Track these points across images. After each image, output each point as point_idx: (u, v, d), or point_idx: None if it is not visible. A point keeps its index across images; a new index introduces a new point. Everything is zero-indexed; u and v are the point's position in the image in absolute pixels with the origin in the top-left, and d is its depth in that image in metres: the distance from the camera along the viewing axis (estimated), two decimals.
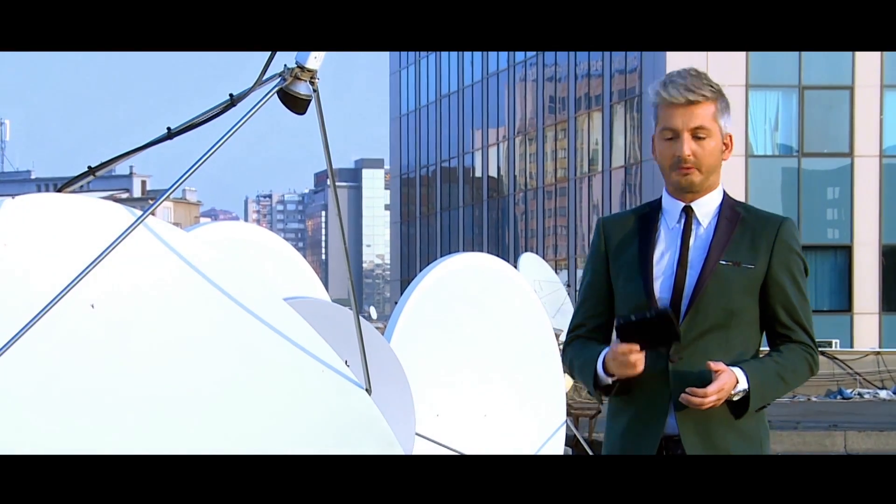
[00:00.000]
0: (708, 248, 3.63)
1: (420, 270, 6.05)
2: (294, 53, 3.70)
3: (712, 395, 3.43)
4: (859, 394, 26.76)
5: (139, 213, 3.60)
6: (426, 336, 5.78)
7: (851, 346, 32.81)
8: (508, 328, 5.98)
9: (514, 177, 47.10)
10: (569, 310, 20.43)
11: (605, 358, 3.57)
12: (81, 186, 3.78)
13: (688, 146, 3.61)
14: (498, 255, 6.50)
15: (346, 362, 4.27)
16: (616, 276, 3.64)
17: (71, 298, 3.27)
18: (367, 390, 4.20)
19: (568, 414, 6.45)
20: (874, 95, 34.86)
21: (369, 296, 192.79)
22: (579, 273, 41.12)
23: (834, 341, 31.93)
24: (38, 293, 3.25)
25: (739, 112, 34.50)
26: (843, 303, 35.21)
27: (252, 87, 3.68)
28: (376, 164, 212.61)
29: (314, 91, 3.74)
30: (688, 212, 3.66)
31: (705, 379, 3.46)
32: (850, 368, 27.76)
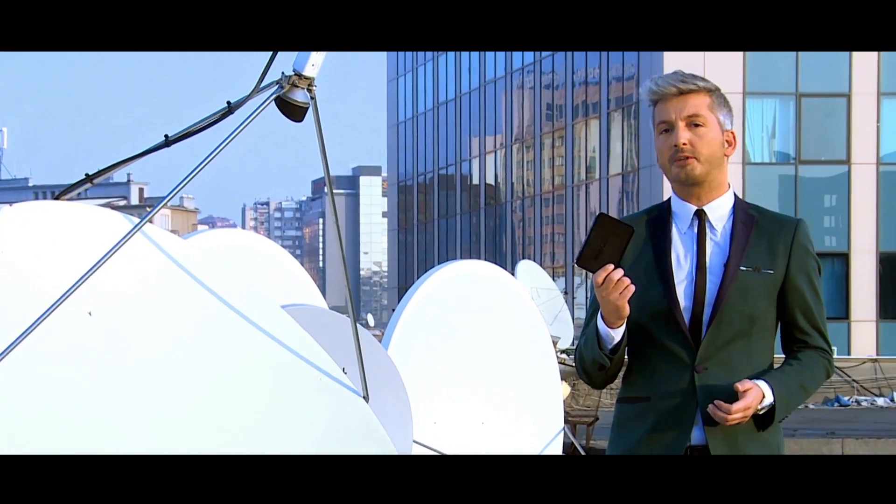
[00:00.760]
0: (727, 253, 3.57)
1: (417, 278, 6.05)
2: (291, 61, 3.70)
3: (738, 412, 3.39)
4: (857, 401, 26.76)
5: (137, 220, 3.60)
6: (424, 343, 5.78)
7: (849, 354, 32.79)
8: (506, 335, 5.98)
9: (512, 184, 47.10)
10: (566, 317, 20.43)
11: (600, 312, 3.48)
12: (79, 194, 3.78)
13: (683, 135, 3.54)
14: (495, 263, 6.50)
15: (343, 370, 4.27)
16: (632, 282, 3.54)
17: (68, 306, 3.27)
18: (364, 398, 4.20)
19: (565, 421, 6.45)
20: (871, 103, 34.88)
21: (367, 303, 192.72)
22: (577, 280, 41.16)
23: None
24: (36, 300, 3.25)
25: (737, 119, 34.40)
26: (841, 310, 35.21)
27: (249, 94, 3.68)
28: (374, 171, 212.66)
29: (311, 98, 3.74)
30: (700, 215, 3.59)
31: (732, 390, 3.42)
32: (848, 376, 27.75)
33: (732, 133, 3.64)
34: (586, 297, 24.51)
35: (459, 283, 5.99)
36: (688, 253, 3.55)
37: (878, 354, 32.12)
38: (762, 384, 3.45)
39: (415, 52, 54.19)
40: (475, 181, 50.64)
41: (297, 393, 3.98)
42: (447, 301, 5.90)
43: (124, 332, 3.54)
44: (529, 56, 44.54)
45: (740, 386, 3.40)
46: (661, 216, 3.62)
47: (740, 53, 34.14)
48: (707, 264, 3.53)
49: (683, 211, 3.58)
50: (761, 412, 3.46)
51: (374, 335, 5.42)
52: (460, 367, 5.85)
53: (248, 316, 3.91)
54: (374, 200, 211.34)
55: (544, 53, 43.15)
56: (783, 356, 3.70)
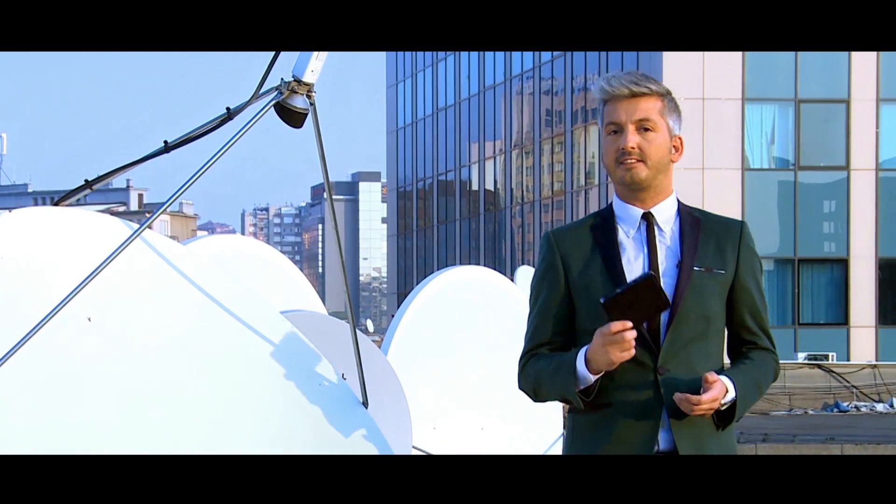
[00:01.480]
0: (679, 254, 3.55)
1: (417, 283, 6.05)
2: (290, 67, 3.71)
3: (706, 403, 3.39)
4: (856, 407, 26.75)
5: (136, 226, 3.60)
6: (423, 349, 5.79)
7: (848, 360, 32.79)
8: (505, 341, 5.98)
9: (511, 190, 47.12)
10: None
11: (586, 354, 3.41)
12: (78, 200, 3.79)
13: (632, 138, 3.51)
14: (495, 268, 6.50)
15: (342, 375, 4.27)
16: (582, 291, 3.47)
17: (68, 311, 3.27)
18: (363, 403, 4.20)
19: (564, 427, 6.44)
20: (870, 109, 34.89)
21: (366, 309, 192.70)
22: None
23: (830, 354, 31.94)
24: (36, 306, 3.25)
25: (736, 125, 34.55)
26: (840, 316, 35.22)
27: (249, 100, 3.69)
28: (373, 177, 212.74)
29: (311, 105, 3.75)
30: (648, 218, 3.57)
31: (697, 388, 3.42)
32: (847, 381, 27.75)
33: (680, 139, 3.61)
34: None
35: (459, 288, 5.99)
36: (638, 256, 3.52)
37: (877, 360, 32.11)
38: (726, 380, 3.44)
39: (414, 59, 54.21)
40: (475, 187, 50.66)
41: (296, 398, 3.98)
42: (446, 307, 5.90)
43: (123, 337, 3.54)
44: (529, 62, 44.56)
45: (709, 376, 3.39)
46: (604, 222, 3.57)
47: (739, 60, 34.16)
48: (660, 266, 3.51)
49: (628, 214, 3.55)
50: (723, 408, 3.45)
51: (374, 341, 5.42)
52: (459, 372, 5.85)
53: (247, 322, 3.91)
54: (373, 206, 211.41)
55: (544, 59, 43.17)
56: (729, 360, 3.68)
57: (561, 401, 3.60)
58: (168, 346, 3.62)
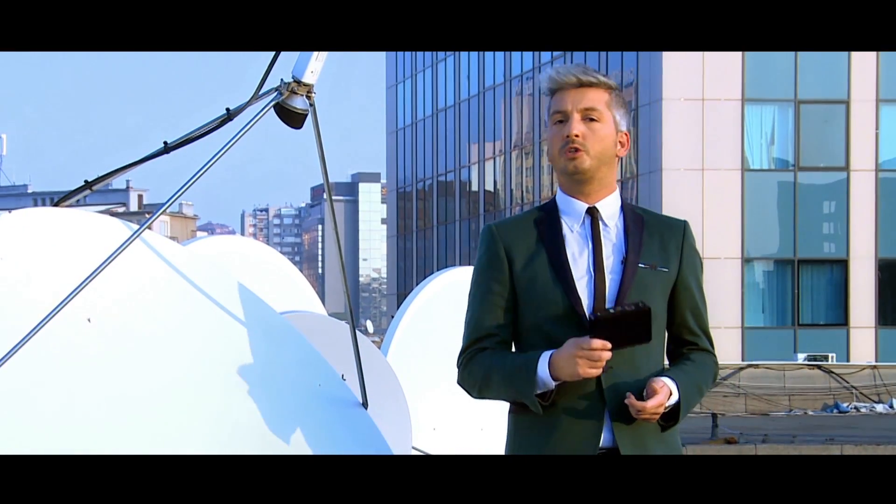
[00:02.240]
0: (624, 251, 3.52)
1: (417, 284, 6.05)
2: (290, 68, 3.71)
3: (650, 409, 3.35)
4: (856, 407, 26.77)
5: (136, 227, 3.60)
6: (423, 350, 5.78)
7: (848, 360, 32.80)
8: None
9: (511, 191, 47.13)
10: None
11: (551, 360, 3.36)
12: (78, 200, 3.79)
13: (577, 126, 3.48)
14: None
15: (342, 376, 4.27)
16: (528, 284, 3.39)
17: (68, 312, 3.27)
18: (363, 404, 4.20)
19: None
20: (870, 110, 34.90)
21: (366, 310, 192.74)
22: None
23: (830, 355, 31.94)
24: (36, 306, 3.25)
25: (735, 126, 34.55)
26: (840, 317, 35.22)
27: (249, 101, 3.69)
28: (373, 177, 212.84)
29: (311, 105, 3.75)
30: (592, 213, 3.54)
31: (641, 388, 3.38)
32: (847, 382, 27.77)
33: (627, 135, 3.57)
34: None
35: (459, 289, 5.98)
36: (583, 251, 3.48)
37: (876, 361, 32.12)
38: (669, 382, 3.41)
39: (414, 59, 54.22)
40: (474, 188, 50.66)
41: (296, 399, 3.98)
42: (446, 308, 5.90)
43: (123, 338, 3.54)
44: (528, 63, 44.56)
45: (655, 385, 3.36)
46: (548, 216, 3.53)
47: (739, 60, 34.17)
48: (605, 262, 3.48)
49: (572, 209, 3.52)
50: (666, 410, 3.42)
51: (374, 342, 5.42)
52: None
53: (246, 323, 3.91)
54: (373, 207, 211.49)
55: (544, 60, 43.17)
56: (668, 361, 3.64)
57: (508, 401, 3.49)
58: (168, 346, 3.62)
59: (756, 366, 28.25)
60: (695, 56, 33.76)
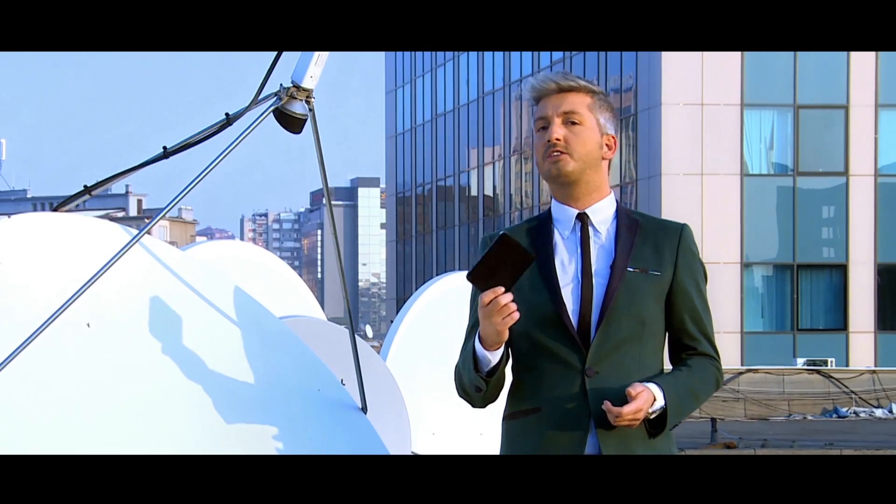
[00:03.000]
0: (613, 255, 3.50)
1: (416, 289, 6.05)
2: (289, 73, 3.71)
3: (628, 415, 3.32)
4: (855, 412, 26.77)
5: (135, 231, 3.60)
6: (422, 354, 5.78)
7: (847, 365, 32.80)
8: None
9: (510, 195, 47.14)
10: None
11: (478, 333, 3.35)
12: (77, 205, 3.78)
13: (557, 130, 3.47)
14: None
15: (341, 381, 4.27)
16: (516, 292, 3.35)
17: (67, 317, 3.27)
18: (362, 409, 4.20)
19: None
20: (869, 114, 34.90)
21: (365, 314, 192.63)
22: None
23: (829, 360, 31.94)
24: (36, 311, 3.25)
25: (735, 131, 34.55)
26: (839, 321, 35.21)
27: (248, 106, 3.69)
28: (372, 182, 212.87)
29: (310, 110, 3.75)
30: (582, 219, 3.53)
31: (624, 394, 3.36)
32: (846, 387, 27.77)
33: (613, 138, 3.56)
34: None
35: (458, 294, 5.99)
36: (572, 257, 3.47)
37: (876, 366, 32.12)
38: (653, 387, 3.36)
39: (413, 64, 54.24)
40: (473, 192, 50.68)
41: (295, 404, 3.98)
42: (445, 312, 5.90)
43: (122, 343, 3.54)
44: (528, 67, 44.57)
45: (632, 390, 3.32)
46: (541, 224, 3.53)
47: (738, 65, 34.18)
48: (593, 267, 3.46)
49: (564, 215, 3.51)
50: (652, 416, 3.38)
51: (373, 347, 5.42)
52: None
53: (246, 327, 3.91)
54: (372, 212, 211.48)
55: (542, 65, 43.19)
56: (670, 366, 3.61)
57: (476, 391, 3.44)
58: (167, 351, 3.62)
59: (755, 370, 28.24)
60: (694, 60, 33.78)
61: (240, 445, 3.63)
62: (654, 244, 3.51)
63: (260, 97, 3.69)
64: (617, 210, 3.55)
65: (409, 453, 5.14)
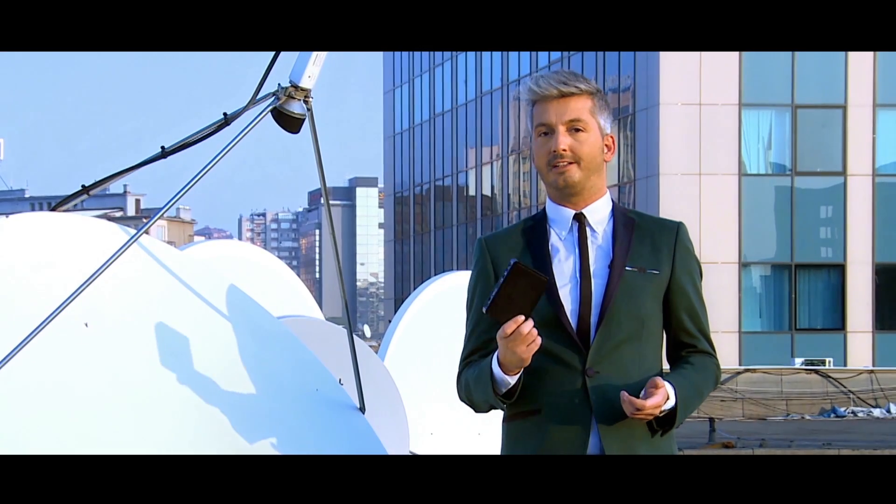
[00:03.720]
0: (611, 255, 3.49)
1: (414, 289, 6.05)
2: (287, 73, 3.71)
3: (648, 408, 3.32)
4: (853, 412, 26.77)
5: (133, 231, 3.60)
6: (420, 354, 5.79)
7: (845, 365, 32.81)
8: None
9: (508, 195, 47.14)
10: None
11: (497, 356, 3.33)
12: (75, 205, 3.78)
13: (563, 140, 3.45)
14: None
15: (339, 381, 4.27)
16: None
17: (65, 316, 3.27)
18: (360, 409, 4.20)
19: None
20: (867, 114, 34.91)
21: (363, 314, 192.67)
22: None
23: (827, 360, 31.95)
24: (33, 311, 3.25)
25: (733, 131, 34.56)
26: (837, 321, 35.22)
27: (246, 105, 3.69)
28: (370, 182, 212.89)
29: (308, 110, 3.75)
30: (580, 219, 3.52)
31: (630, 391, 3.35)
32: (844, 387, 27.78)
33: (612, 137, 3.55)
34: None
35: (456, 293, 5.98)
36: (569, 257, 3.45)
37: (874, 365, 32.13)
38: (667, 385, 3.38)
39: (411, 64, 54.25)
40: (471, 192, 50.68)
41: (293, 404, 3.98)
42: (443, 312, 5.90)
43: (120, 343, 3.54)
44: (526, 67, 44.58)
45: (657, 381, 3.31)
46: (537, 225, 3.52)
47: (736, 65, 34.19)
48: (591, 267, 3.45)
49: (561, 216, 3.50)
50: (661, 414, 3.38)
51: (371, 346, 5.42)
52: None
53: (244, 327, 3.91)
54: (370, 212, 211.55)
55: (540, 64, 43.20)
56: (667, 364, 3.60)
57: (489, 409, 3.47)
58: (165, 351, 3.62)
59: (753, 370, 28.25)
60: (692, 61, 33.78)
61: (237, 445, 3.63)
62: (651, 243, 3.51)
63: (258, 97, 3.69)
64: (613, 209, 3.55)
65: (408, 453, 5.14)
